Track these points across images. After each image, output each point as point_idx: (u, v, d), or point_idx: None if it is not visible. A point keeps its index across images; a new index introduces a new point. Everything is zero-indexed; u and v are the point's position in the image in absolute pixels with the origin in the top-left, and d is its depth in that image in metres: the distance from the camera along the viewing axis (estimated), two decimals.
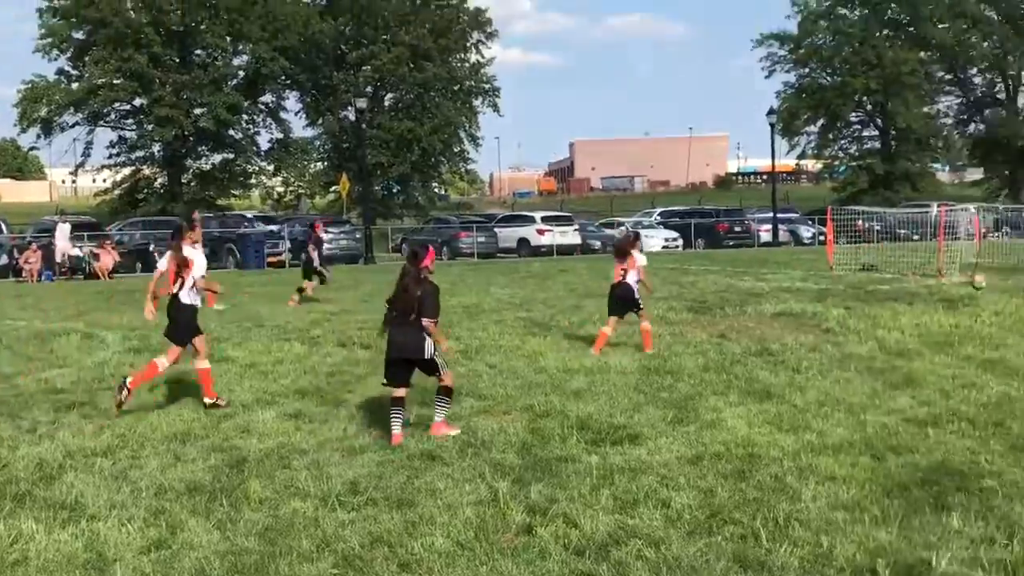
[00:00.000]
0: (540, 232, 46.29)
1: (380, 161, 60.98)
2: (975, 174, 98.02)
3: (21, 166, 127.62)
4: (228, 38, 57.75)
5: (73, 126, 57.79)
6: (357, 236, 43.22)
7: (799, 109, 74.67)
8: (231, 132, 59.16)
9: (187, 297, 10.38)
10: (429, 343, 8.64)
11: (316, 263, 21.67)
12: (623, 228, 13.72)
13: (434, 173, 67.50)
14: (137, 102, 57.47)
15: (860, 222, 33.91)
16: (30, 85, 55.89)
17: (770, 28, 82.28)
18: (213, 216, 45.30)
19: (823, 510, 6.46)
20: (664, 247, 46.20)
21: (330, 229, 41.80)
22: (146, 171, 60.11)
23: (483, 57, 66.73)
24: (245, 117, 60.27)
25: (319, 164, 66.12)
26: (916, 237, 34.26)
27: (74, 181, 75.17)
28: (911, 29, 73.85)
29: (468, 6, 65.92)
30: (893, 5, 73.98)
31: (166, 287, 10.48)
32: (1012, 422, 8.67)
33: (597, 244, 48.34)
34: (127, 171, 59.37)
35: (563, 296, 21.11)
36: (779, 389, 10.35)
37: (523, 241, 46.43)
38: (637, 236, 14.41)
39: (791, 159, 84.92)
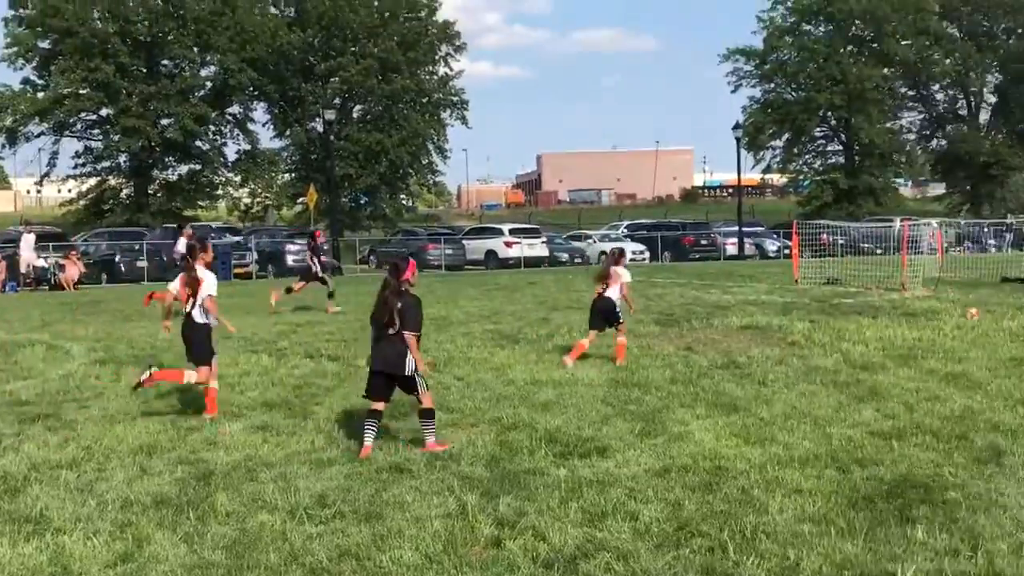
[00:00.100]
0: (508, 244, 46.35)
1: (348, 173, 60.84)
2: (937, 189, 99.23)
3: None
4: (196, 49, 57.49)
5: (38, 136, 57.54)
6: (324, 248, 43.04)
7: (764, 124, 75.22)
8: (198, 143, 58.90)
9: (200, 316, 10.41)
10: (411, 359, 8.60)
11: (318, 271, 21.89)
12: (611, 249, 13.79)
13: (402, 185, 67.42)
14: (103, 112, 57.09)
15: (824, 236, 34.19)
16: None
17: (736, 43, 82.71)
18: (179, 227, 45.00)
19: (790, 522, 6.51)
20: (631, 260, 46.30)
21: (297, 241, 41.80)
22: (112, 181, 59.67)
23: (452, 70, 66.83)
24: (212, 128, 60.01)
25: (286, 175, 65.86)
26: (879, 251, 34.59)
27: (39, 191, 74.69)
28: (875, 46, 74.64)
29: (437, 19, 65.98)
30: (857, 22, 74.73)
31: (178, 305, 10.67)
32: (975, 435, 8.77)
33: (565, 256, 48.48)
34: (93, 181, 58.93)
35: (531, 308, 21.14)
36: (746, 402, 10.41)
37: (491, 253, 46.47)
38: (622, 252, 14.49)
39: (756, 173, 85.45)
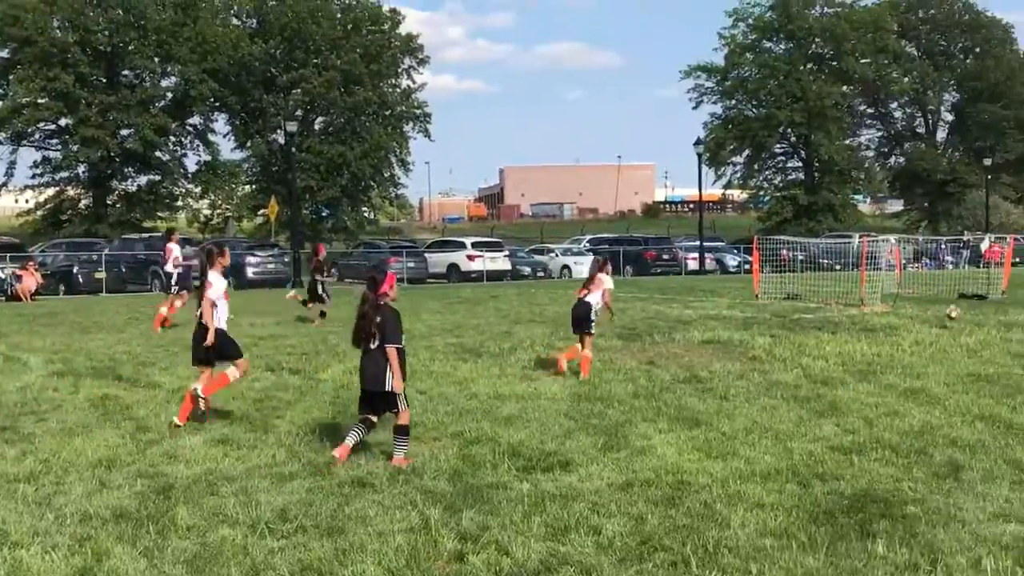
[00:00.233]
0: (470, 258, 46.33)
1: (309, 185, 60.68)
2: (895, 206, 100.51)
3: None
4: (156, 59, 57.22)
5: None
6: (285, 260, 42.88)
7: (725, 140, 75.85)
8: (158, 154, 58.55)
9: (215, 321, 10.51)
10: (391, 376, 8.53)
11: (319, 288, 21.82)
12: (596, 256, 14.10)
13: (364, 197, 67.31)
14: (62, 122, 56.66)
15: (784, 251, 34.44)
16: None
17: (698, 60, 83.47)
18: (139, 239, 44.66)
19: (752, 537, 6.53)
20: None
21: (257, 253, 41.58)
22: (70, 192, 59.22)
23: (414, 83, 66.92)
24: (173, 139, 59.72)
25: (247, 187, 65.57)
26: (838, 267, 34.95)
27: None
28: (834, 63, 75.51)
29: (400, 32, 66.03)
30: (817, 40, 75.57)
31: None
32: (934, 450, 8.85)
33: (527, 270, 48.54)
34: (51, 192, 58.46)
35: (494, 322, 21.13)
36: (707, 416, 10.45)
37: (453, 267, 46.42)
38: (606, 260, 14.67)
39: (717, 189, 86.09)
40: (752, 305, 24.79)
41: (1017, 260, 41.54)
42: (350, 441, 8.62)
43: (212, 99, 59.58)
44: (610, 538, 6.51)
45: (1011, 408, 10.68)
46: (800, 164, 78.25)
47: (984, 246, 43.30)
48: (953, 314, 19.86)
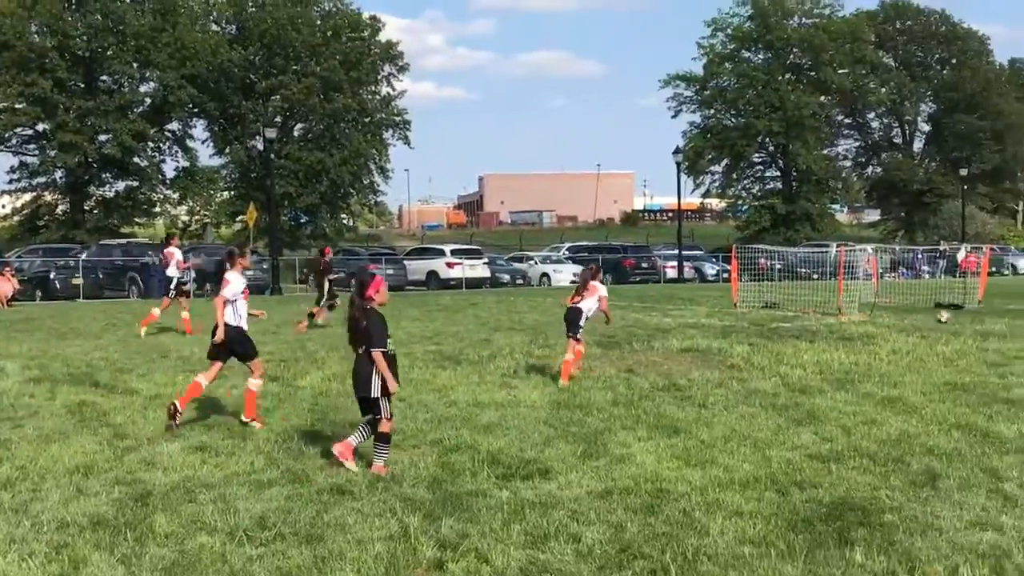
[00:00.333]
0: (450, 265, 46.34)
1: (288, 191, 60.56)
2: (872, 215, 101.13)
3: None
4: (135, 64, 56.90)
5: None
6: (264, 267, 42.75)
7: (704, 149, 76.16)
8: (136, 159, 58.21)
9: (232, 319, 10.74)
10: (376, 382, 8.47)
11: (325, 292, 21.95)
12: (589, 265, 14.50)
13: (343, 204, 67.25)
14: (40, 127, 56.33)
15: (763, 260, 34.61)
16: None
17: (678, 69, 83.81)
18: (116, 245, 44.47)
19: (731, 544, 6.55)
20: (572, 281, 46.48)
21: None
22: (48, 197, 58.86)
23: (394, 90, 66.91)
24: (151, 145, 59.37)
25: (226, 193, 65.38)
26: (816, 276, 35.13)
27: None
28: (812, 73, 75.92)
29: (380, 39, 66.01)
30: (795, 50, 75.99)
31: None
32: (911, 458, 8.89)
33: (506, 278, 48.58)
34: (28, 197, 58.13)
35: (473, 329, 21.14)
36: (686, 424, 10.47)
37: (432, 274, 46.43)
38: (599, 269, 14.85)
39: (696, 197, 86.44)
40: (730, 314, 24.88)
41: (993, 270, 41.83)
42: (353, 441, 8.61)
43: (191, 105, 59.34)
44: (589, 546, 6.51)
45: (987, 417, 10.75)
46: (778, 173, 78.64)
47: (960, 256, 43.57)
48: (943, 318, 20.34)
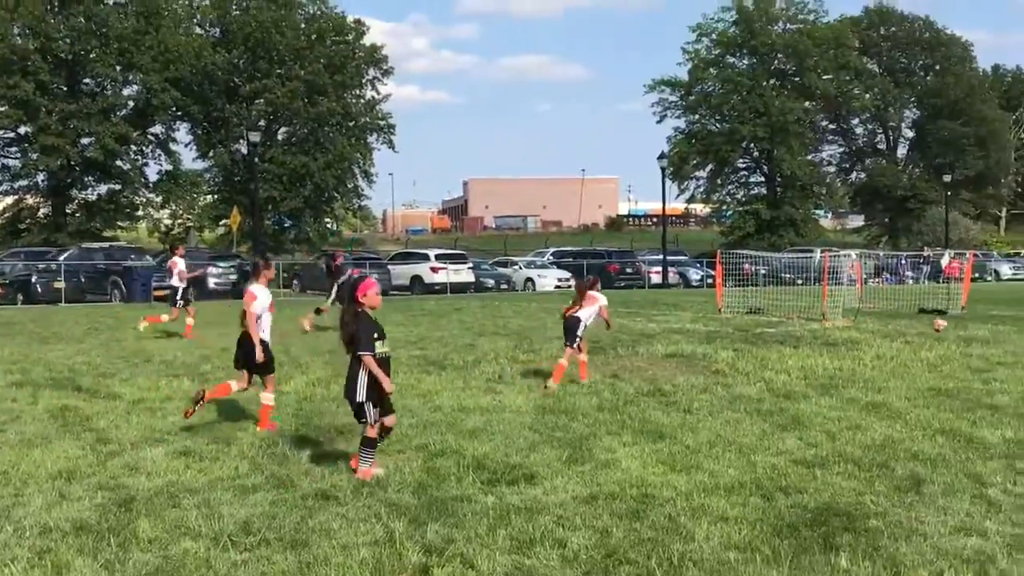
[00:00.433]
0: (434, 270, 46.25)
1: (272, 195, 60.47)
2: (856, 221, 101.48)
3: None
4: (118, 67, 56.76)
5: None
6: (247, 270, 42.57)
7: (689, 154, 76.32)
8: (119, 163, 58.09)
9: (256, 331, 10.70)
10: (361, 386, 8.40)
11: (332, 294, 22.14)
12: (587, 276, 14.78)
13: (327, 208, 67.17)
14: (22, 130, 56.17)
15: (747, 266, 34.65)
16: None
17: (662, 74, 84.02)
18: (98, 248, 44.26)
19: (716, 550, 6.54)
20: (557, 287, 46.58)
21: (219, 264, 41.29)
22: (29, 201, 58.68)
23: (378, 93, 66.92)
24: (134, 148, 59.26)
25: (209, 197, 65.22)
26: (800, 281, 35.18)
27: None
28: (797, 79, 76.20)
29: (364, 43, 65.97)
30: (779, 56, 76.24)
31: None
32: (895, 463, 8.91)
33: (491, 283, 48.53)
34: (9, 200, 57.98)
35: (458, 334, 21.12)
36: (671, 429, 10.47)
37: (417, 279, 46.33)
38: (597, 279, 14.97)
39: (681, 203, 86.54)
40: (715, 319, 24.91)
41: (976, 276, 41.98)
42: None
43: (174, 108, 59.25)
44: (575, 551, 6.50)
45: (971, 422, 10.78)
46: (763, 179, 78.89)
47: (944, 262, 43.77)
48: (940, 327, 20.69)
